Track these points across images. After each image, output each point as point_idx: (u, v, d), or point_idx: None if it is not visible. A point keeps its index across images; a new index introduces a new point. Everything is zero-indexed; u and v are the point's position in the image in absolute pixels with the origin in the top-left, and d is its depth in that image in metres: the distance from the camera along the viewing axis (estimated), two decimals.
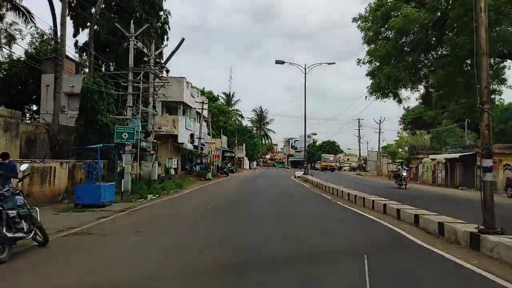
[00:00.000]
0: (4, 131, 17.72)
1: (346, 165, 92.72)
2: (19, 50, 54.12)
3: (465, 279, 6.35)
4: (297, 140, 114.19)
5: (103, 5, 26.74)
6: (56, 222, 11.40)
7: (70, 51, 32.58)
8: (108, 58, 26.57)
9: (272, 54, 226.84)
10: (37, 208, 8.26)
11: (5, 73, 34.13)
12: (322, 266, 6.96)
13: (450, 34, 18.16)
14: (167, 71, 25.61)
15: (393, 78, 19.43)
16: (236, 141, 69.54)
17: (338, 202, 17.58)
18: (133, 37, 20.23)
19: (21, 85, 33.83)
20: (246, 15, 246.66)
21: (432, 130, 53.74)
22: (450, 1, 17.64)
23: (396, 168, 31.29)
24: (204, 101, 43.04)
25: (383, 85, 19.90)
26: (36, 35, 35.65)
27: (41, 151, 22.01)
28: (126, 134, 18.06)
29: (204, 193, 23.32)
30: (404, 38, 20.21)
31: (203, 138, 41.81)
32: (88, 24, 26.29)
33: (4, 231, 6.94)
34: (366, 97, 22.45)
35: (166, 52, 29.09)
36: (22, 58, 33.52)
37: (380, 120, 68.20)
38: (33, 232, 7.77)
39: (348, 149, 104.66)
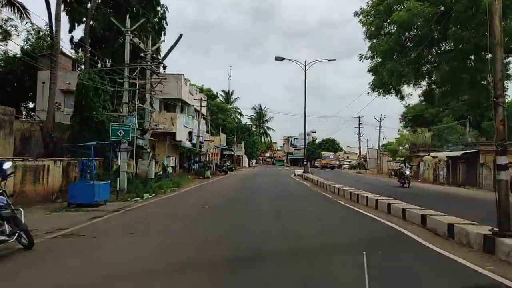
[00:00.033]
0: None
1: (345, 163, 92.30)
2: (15, 46, 53.67)
3: None
4: (296, 138, 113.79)
5: (99, 0, 26.23)
6: (47, 223, 10.99)
7: (66, 47, 32.14)
8: (104, 54, 26.02)
9: (271, 53, 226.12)
10: (21, 209, 7.76)
11: (0, 70, 33.62)
12: (322, 266, 6.63)
13: (455, 28, 17.65)
14: (164, 67, 25.12)
15: (396, 73, 18.95)
16: (235, 139, 69.07)
17: (339, 201, 17.12)
18: (129, 32, 19.72)
19: (17, 82, 33.38)
20: (246, 14, 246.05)
21: (433, 127, 53.35)
22: None
23: (399, 166, 30.74)
24: (203, 98, 42.50)
25: (386, 80, 19.42)
26: (32, 32, 35.17)
27: (36, 149, 21.63)
28: (122, 132, 17.56)
29: (202, 191, 22.84)
30: (407, 33, 19.73)
31: (202, 136, 41.33)
32: (84, 19, 25.71)
33: None
34: (368, 93, 21.95)
35: (164, 50, 28.68)
36: (18, 55, 33.04)
37: (380, 118, 67.73)
38: (17, 234, 7.28)
39: (348, 147, 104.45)
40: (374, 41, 20.59)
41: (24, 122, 24.82)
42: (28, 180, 15.47)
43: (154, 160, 24.90)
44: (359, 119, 75.68)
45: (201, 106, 40.92)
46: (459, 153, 32.97)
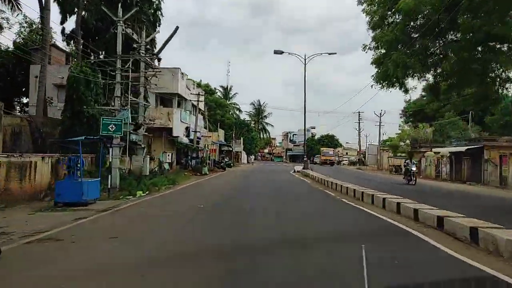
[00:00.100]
0: None
1: (345, 159, 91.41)
2: (6, 40, 52.57)
3: None
4: (295, 134, 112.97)
5: None
6: (27, 224, 10.16)
7: (58, 39, 31.12)
8: (97, 47, 25.12)
9: (270, 49, 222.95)
10: None
11: None
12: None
13: (465, 16, 16.73)
14: (159, 60, 24.17)
15: (402, 65, 18.01)
16: (233, 135, 68.18)
17: (343, 199, 16.26)
18: (121, 22, 18.76)
19: (10, 76, 32.42)
20: (245, 9, 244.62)
21: (434, 123, 52.53)
22: None
23: (405, 162, 29.86)
24: (200, 93, 41.54)
25: (391, 72, 18.46)
26: (25, 24, 34.20)
27: (26, 145, 20.81)
28: (113, 126, 16.65)
29: (198, 189, 21.92)
30: (413, 22, 18.80)
31: (199, 132, 40.42)
32: (76, 10, 24.76)
33: None
34: (372, 85, 21.04)
35: (160, 43, 27.73)
36: (10, 49, 32.07)
37: (380, 113, 66.79)
38: None
39: (347, 142, 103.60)
40: (378, 31, 19.67)
41: (15, 117, 23.93)
42: (13, 178, 14.62)
43: (148, 156, 24.01)
44: (359, 114, 74.84)
45: (198, 101, 40.00)
46: (463, 148, 32.10)
